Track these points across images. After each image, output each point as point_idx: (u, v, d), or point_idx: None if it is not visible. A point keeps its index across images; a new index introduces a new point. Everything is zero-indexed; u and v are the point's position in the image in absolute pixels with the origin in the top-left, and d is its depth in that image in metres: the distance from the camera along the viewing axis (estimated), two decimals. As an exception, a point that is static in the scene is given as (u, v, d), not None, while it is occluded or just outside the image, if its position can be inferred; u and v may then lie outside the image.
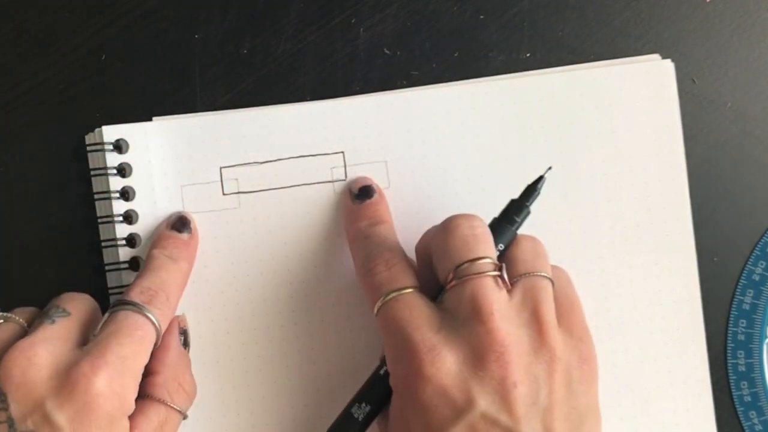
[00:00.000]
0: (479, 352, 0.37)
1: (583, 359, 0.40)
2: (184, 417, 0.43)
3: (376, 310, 0.41)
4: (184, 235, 0.45)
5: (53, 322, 0.41)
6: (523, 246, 0.42)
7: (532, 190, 0.43)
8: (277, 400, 0.46)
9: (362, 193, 0.46)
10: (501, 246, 0.42)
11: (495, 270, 0.39)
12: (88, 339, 0.41)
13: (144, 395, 0.41)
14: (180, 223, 0.45)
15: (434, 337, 0.38)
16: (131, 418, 0.40)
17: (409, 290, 0.41)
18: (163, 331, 0.42)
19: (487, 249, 0.40)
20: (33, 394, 0.37)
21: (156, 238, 0.45)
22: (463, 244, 0.40)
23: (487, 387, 0.37)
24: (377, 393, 0.42)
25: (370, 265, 0.42)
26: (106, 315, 0.41)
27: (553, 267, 0.42)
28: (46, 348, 0.39)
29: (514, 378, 0.37)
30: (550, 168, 0.44)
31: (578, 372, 0.39)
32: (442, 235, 0.41)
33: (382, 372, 0.42)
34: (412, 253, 0.44)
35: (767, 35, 0.49)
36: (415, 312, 0.39)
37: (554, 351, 0.38)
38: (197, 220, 0.46)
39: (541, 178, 0.43)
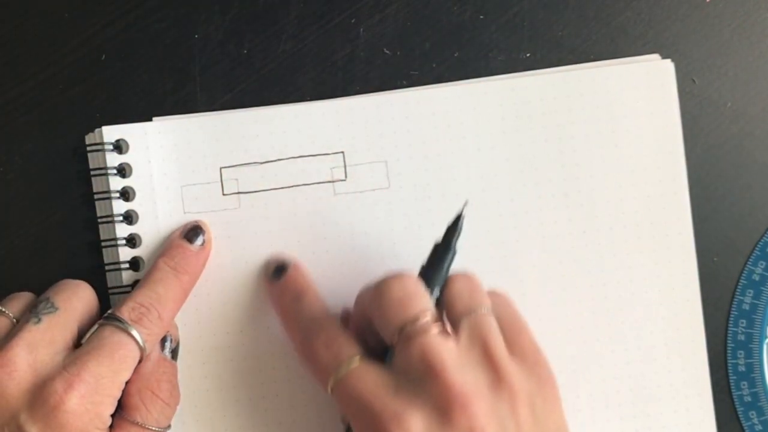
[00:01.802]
0: (442, 408, 0.37)
1: (542, 383, 0.40)
2: (167, 427, 0.43)
3: (329, 390, 0.41)
4: (195, 246, 0.45)
5: (39, 321, 0.41)
6: (457, 286, 0.42)
7: (453, 230, 0.43)
8: (276, 400, 0.46)
9: (277, 270, 0.45)
10: (436, 292, 0.42)
11: (436, 322, 0.39)
12: (80, 331, 0.42)
13: (119, 410, 0.42)
14: (193, 233, 0.45)
15: (394, 401, 0.38)
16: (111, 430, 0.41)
17: (356, 360, 0.40)
18: (150, 349, 0.42)
19: (424, 303, 0.40)
20: (9, 405, 0.39)
21: (166, 245, 0.45)
22: (399, 305, 0.40)
23: None
24: None
25: (309, 350, 0.42)
26: (95, 327, 0.42)
27: (490, 293, 0.42)
28: (27, 358, 0.40)
29: (481, 424, 0.37)
30: (466, 203, 0.44)
31: (540, 397, 0.39)
32: (377, 301, 0.40)
33: None
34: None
35: (767, 35, 0.49)
36: (369, 381, 0.39)
37: (513, 386, 0.38)
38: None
39: (459, 216, 0.43)
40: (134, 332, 0.41)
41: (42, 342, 0.40)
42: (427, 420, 0.37)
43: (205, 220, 0.46)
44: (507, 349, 0.40)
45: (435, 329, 0.39)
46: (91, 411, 0.39)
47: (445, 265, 0.42)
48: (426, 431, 0.37)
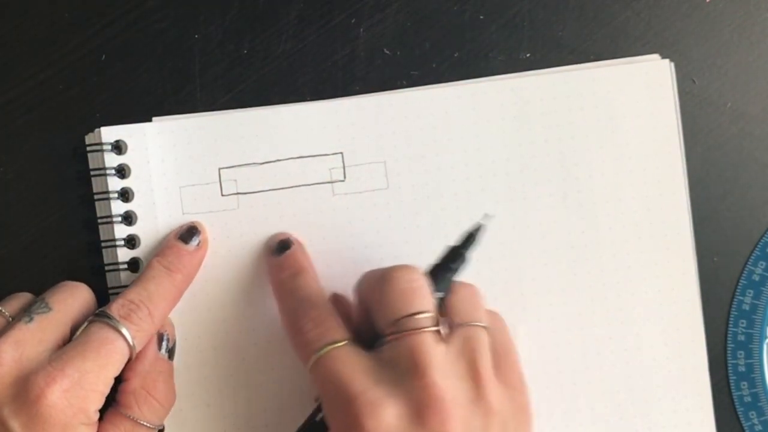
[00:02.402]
0: (418, 408, 0.37)
1: (518, 409, 0.40)
2: (161, 429, 0.44)
3: (309, 366, 0.41)
4: (190, 246, 0.45)
5: (30, 320, 0.41)
6: (459, 295, 0.42)
7: (471, 239, 0.43)
8: (276, 400, 0.46)
9: (281, 246, 0.46)
10: (439, 294, 0.41)
11: (433, 324, 0.39)
12: (73, 332, 0.42)
13: (113, 403, 0.42)
14: (188, 234, 0.45)
15: (373, 389, 0.38)
16: (100, 426, 0.41)
17: (342, 343, 0.40)
18: (139, 346, 0.42)
19: (426, 302, 0.40)
20: None
21: (162, 246, 0.45)
22: (401, 297, 0.40)
23: None
24: None
25: (297, 324, 0.42)
26: (85, 324, 0.42)
27: (489, 313, 0.42)
28: (14, 354, 0.40)
29: (452, 431, 0.37)
30: (487, 215, 0.44)
31: (514, 422, 0.40)
32: (381, 287, 0.40)
33: (318, 419, 0.41)
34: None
35: (767, 35, 0.49)
36: (351, 364, 0.39)
37: (491, 404, 0.38)
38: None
39: (479, 226, 0.43)
40: (122, 329, 0.41)
41: (31, 340, 0.41)
42: (400, 415, 0.37)
43: (204, 220, 0.46)
44: (493, 369, 0.40)
45: (431, 329, 0.39)
46: (74, 405, 0.39)
47: (455, 270, 0.42)
48: (398, 425, 0.37)
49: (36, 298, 0.43)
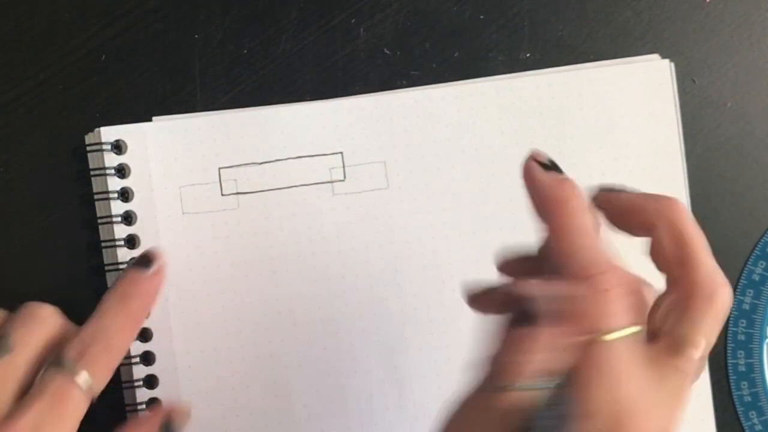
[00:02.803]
0: None
1: None
2: None
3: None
4: (147, 272, 0.43)
5: None
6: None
7: None
8: (276, 401, 0.46)
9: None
10: None
11: None
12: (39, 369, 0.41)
13: None
14: (144, 259, 0.43)
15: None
16: None
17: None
18: (101, 384, 0.41)
19: None
20: None
21: (118, 277, 0.44)
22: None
23: None
24: None
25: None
26: (42, 371, 0.41)
27: None
28: None
29: None
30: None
31: None
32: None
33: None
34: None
35: (767, 35, 0.49)
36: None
37: None
38: (196, 221, 0.46)
39: None
40: (77, 376, 0.40)
41: None
42: None
43: (204, 220, 0.46)
44: None
45: None
46: None
47: None
48: None
49: (4, 327, 0.42)
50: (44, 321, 0.42)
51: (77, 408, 0.40)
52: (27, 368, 0.41)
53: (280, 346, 0.46)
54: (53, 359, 0.41)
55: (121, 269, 0.46)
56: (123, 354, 0.42)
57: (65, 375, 0.40)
